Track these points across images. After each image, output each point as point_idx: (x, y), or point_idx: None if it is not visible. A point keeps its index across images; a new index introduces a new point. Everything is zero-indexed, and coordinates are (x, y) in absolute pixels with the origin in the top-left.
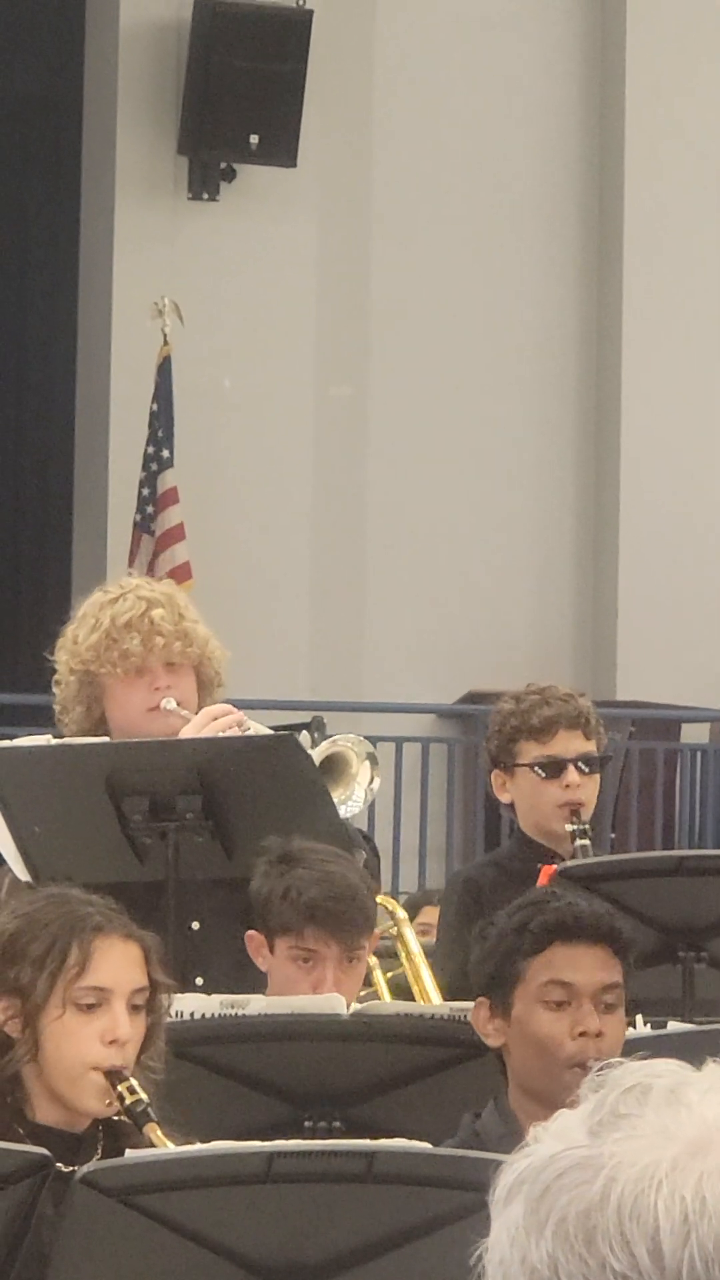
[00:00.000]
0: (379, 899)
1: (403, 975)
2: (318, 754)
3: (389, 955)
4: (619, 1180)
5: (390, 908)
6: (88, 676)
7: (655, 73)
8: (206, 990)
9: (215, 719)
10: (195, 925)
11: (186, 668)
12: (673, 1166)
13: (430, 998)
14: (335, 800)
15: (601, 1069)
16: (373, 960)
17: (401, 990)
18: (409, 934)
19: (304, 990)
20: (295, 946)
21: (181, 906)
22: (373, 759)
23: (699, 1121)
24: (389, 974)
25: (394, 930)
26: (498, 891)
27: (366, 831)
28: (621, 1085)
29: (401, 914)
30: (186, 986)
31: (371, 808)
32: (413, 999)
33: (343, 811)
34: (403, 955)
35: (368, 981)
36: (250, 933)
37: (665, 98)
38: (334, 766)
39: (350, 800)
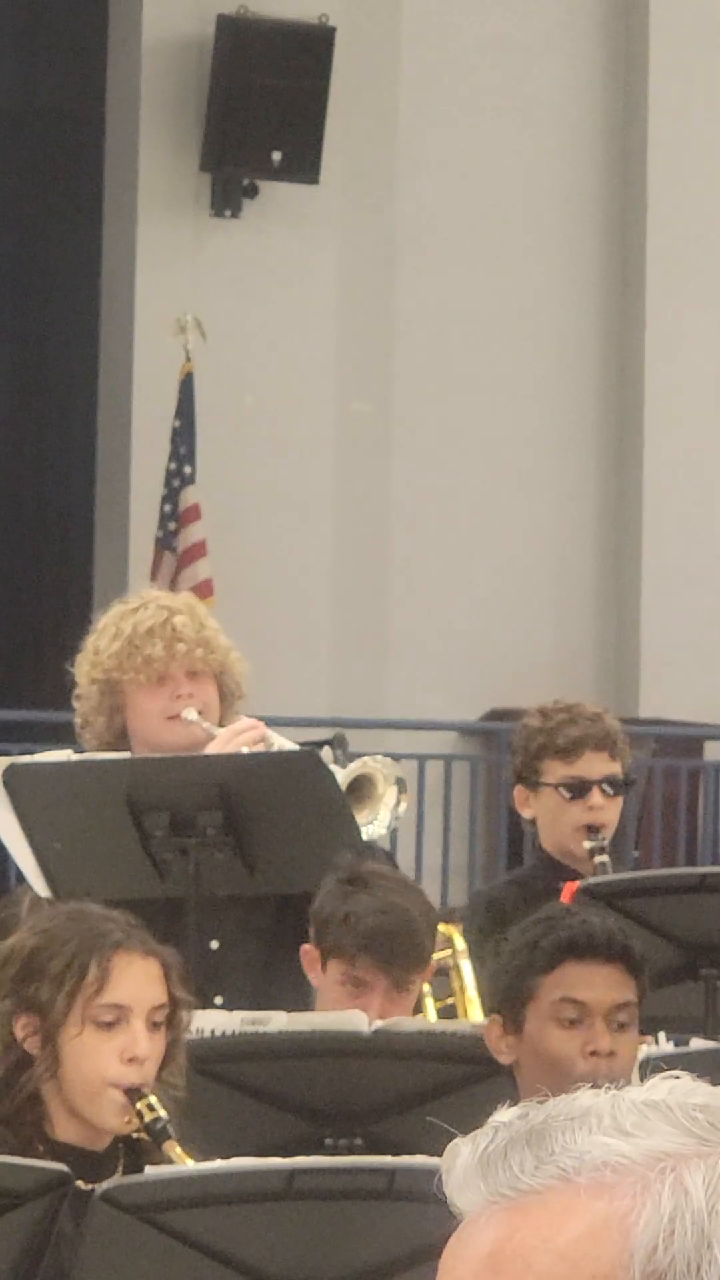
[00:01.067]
0: (441, 927)
1: (453, 1007)
2: (346, 774)
3: (441, 973)
4: None
5: (451, 936)
6: (109, 686)
7: (678, 89)
8: (226, 1010)
9: (240, 734)
10: (215, 945)
11: (208, 676)
12: None
13: None
14: (360, 821)
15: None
16: (425, 987)
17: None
18: (465, 965)
19: None
20: (347, 972)
21: (201, 926)
22: (401, 783)
23: None
24: (440, 1004)
25: (451, 960)
26: (520, 911)
27: (389, 850)
28: None
29: (460, 945)
30: (206, 1006)
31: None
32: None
33: (367, 833)
34: (454, 985)
35: (418, 1009)
36: (306, 947)
37: (688, 113)
38: (361, 788)
39: (375, 822)
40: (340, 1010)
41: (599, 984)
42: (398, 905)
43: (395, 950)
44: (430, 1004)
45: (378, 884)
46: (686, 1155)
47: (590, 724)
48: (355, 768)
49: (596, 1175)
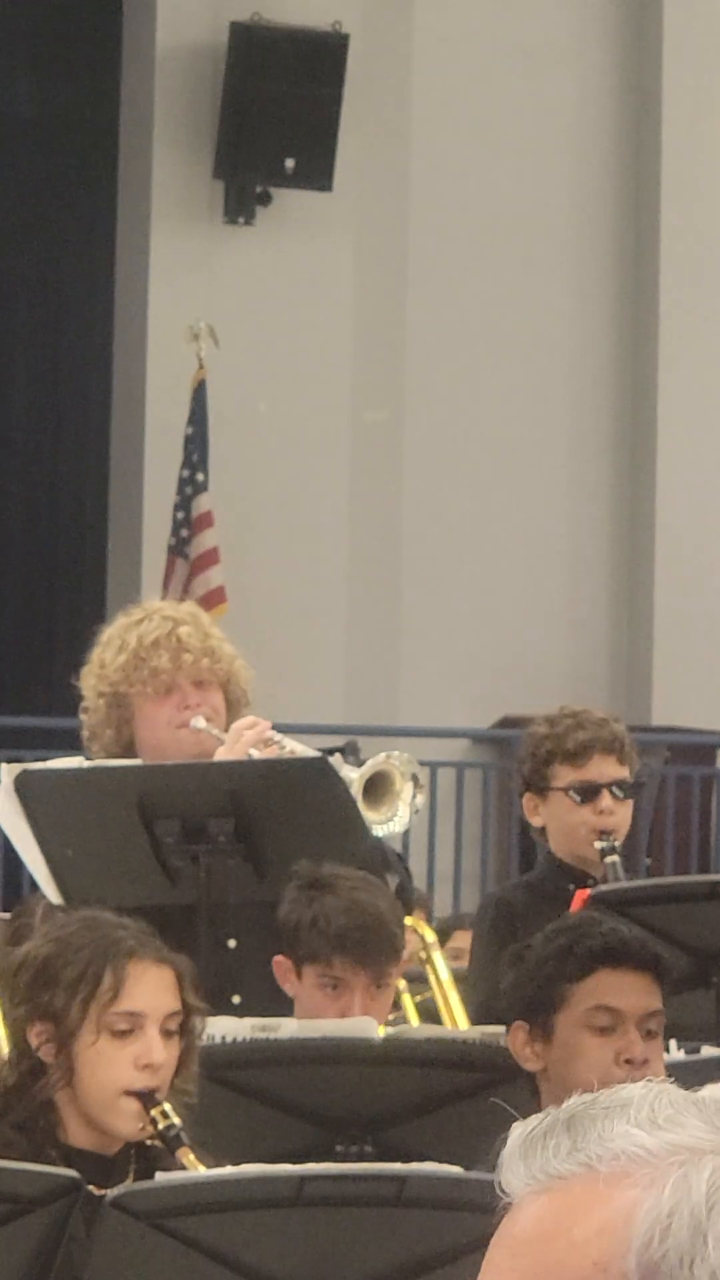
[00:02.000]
0: (409, 922)
1: (432, 1000)
2: (363, 772)
3: (418, 979)
4: None
5: (420, 930)
6: (117, 698)
7: (692, 97)
8: (243, 1009)
9: (245, 731)
10: (232, 943)
11: (214, 685)
12: None
13: (459, 1023)
14: (380, 819)
15: None
16: (401, 984)
17: (430, 1015)
18: (438, 958)
19: (331, 1017)
20: (323, 974)
21: (217, 925)
22: (416, 778)
23: None
24: (418, 998)
25: (424, 954)
26: (530, 914)
27: (400, 853)
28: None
29: (431, 938)
30: (223, 1005)
31: (405, 832)
32: (441, 1023)
33: (388, 829)
34: (432, 980)
35: (396, 1005)
36: (278, 958)
37: (702, 125)
38: (378, 785)
39: (395, 819)
40: (321, 1017)
41: (632, 991)
42: (364, 901)
43: (369, 946)
44: (408, 1000)
45: (340, 884)
46: (704, 1150)
47: (598, 728)
48: (371, 765)
49: (616, 1164)
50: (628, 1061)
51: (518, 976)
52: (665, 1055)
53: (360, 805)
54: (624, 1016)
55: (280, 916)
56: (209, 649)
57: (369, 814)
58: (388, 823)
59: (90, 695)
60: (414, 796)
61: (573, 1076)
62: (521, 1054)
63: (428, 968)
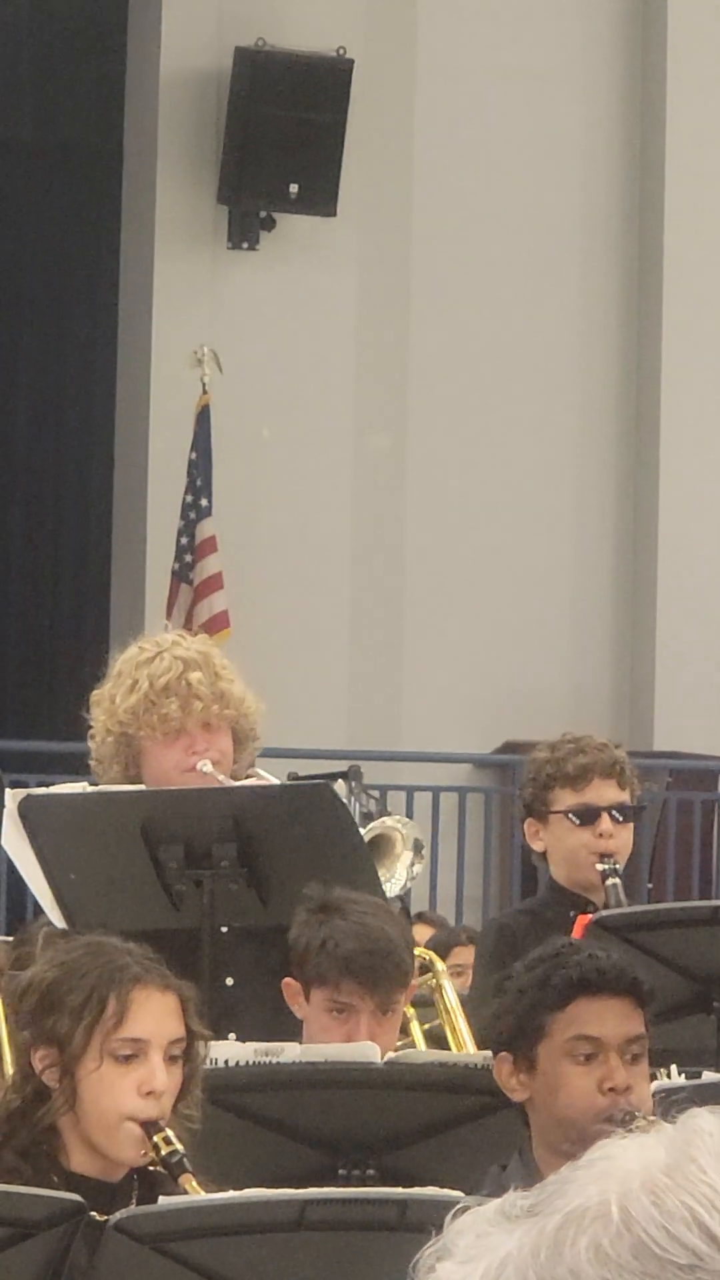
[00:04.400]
0: (418, 951)
1: (440, 1027)
2: (365, 834)
3: (426, 1004)
4: (630, 1198)
5: (430, 959)
6: (125, 739)
7: (695, 122)
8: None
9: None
10: (230, 981)
11: (224, 727)
12: (665, 1171)
13: (466, 1051)
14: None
15: (632, 1124)
16: (410, 1011)
17: (438, 1042)
18: (448, 986)
19: (338, 1041)
20: (331, 998)
21: (216, 962)
22: (418, 845)
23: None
24: (426, 1025)
25: (433, 981)
26: (531, 939)
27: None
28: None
29: (441, 966)
30: (219, 1040)
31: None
32: (448, 1050)
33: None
34: (440, 1007)
35: (404, 1032)
36: (287, 980)
37: (705, 146)
38: (379, 845)
39: (391, 881)
40: (328, 1040)
41: (612, 1019)
42: (374, 927)
43: (377, 971)
44: (416, 1026)
45: (350, 908)
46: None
47: (598, 753)
48: (376, 826)
49: None
50: (611, 1090)
51: (499, 1007)
52: (667, 1080)
53: None
54: (604, 1045)
55: (290, 939)
56: (219, 693)
57: None
58: (384, 884)
59: (99, 729)
60: (413, 864)
61: (557, 1106)
62: (507, 1085)
63: (437, 995)
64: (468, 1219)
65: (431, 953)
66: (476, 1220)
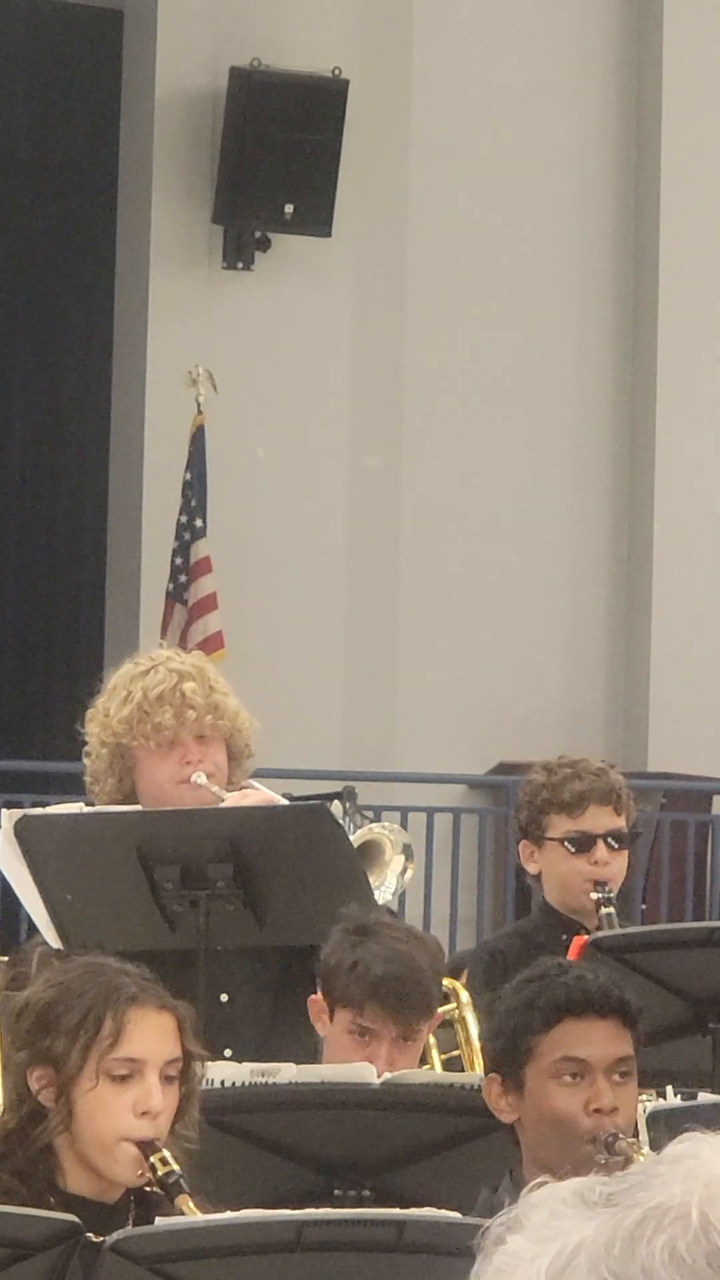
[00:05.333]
0: (445, 982)
1: (459, 1057)
2: (354, 840)
3: (445, 1025)
4: (713, 1203)
5: (455, 989)
6: (119, 750)
7: (691, 139)
8: (236, 1062)
9: (246, 799)
10: (224, 998)
11: (217, 740)
12: None
13: None
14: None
15: (617, 1143)
16: (431, 1040)
17: (457, 1070)
18: (470, 1018)
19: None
20: (354, 1021)
21: (212, 979)
22: (408, 851)
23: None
24: (444, 1055)
25: (455, 1013)
26: (523, 962)
27: (397, 903)
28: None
29: (465, 998)
30: (216, 1059)
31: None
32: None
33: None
34: (461, 1039)
35: (423, 1060)
36: (313, 997)
37: (701, 166)
38: (368, 853)
39: (382, 888)
40: (348, 1060)
41: (598, 1040)
42: (405, 954)
43: (403, 998)
44: (435, 1056)
45: (385, 933)
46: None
47: (594, 779)
48: (364, 833)
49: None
50: (596, 1110)
51: (488, 1029)
52: (662, 1102)
53: None
54: (591, 1066)
55: (321, 956)
56: (213, 705)
57: None
58: (375, 890)
59: (94, 742)
60: (404, 870)
61: (545, 1127)
62: (496, 1106)
63: (458, 1024)
64: (544, 1193)
65: (457, 983)
66: (552, 1197)
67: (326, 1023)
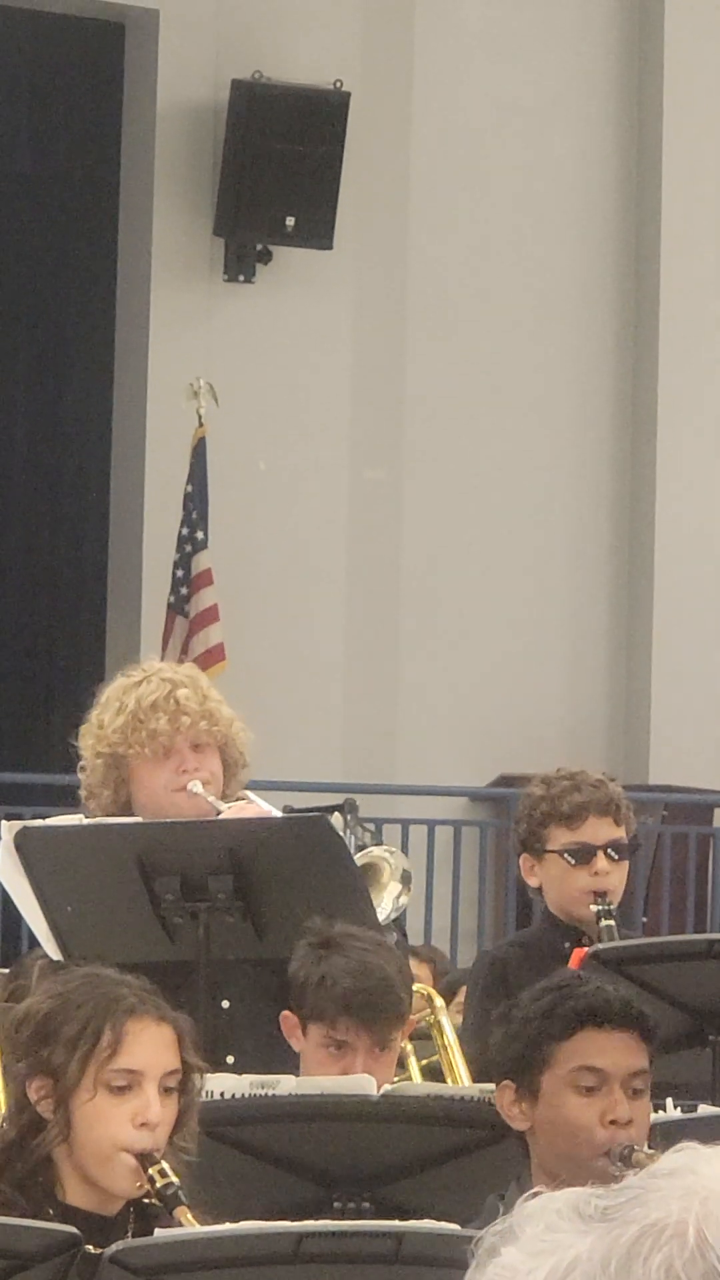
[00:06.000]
0: (417, 987)
1: (438, 1062)
2: (357, 858)
3: (424, 1038)
4: (710, 1222)
5: (429, 994)
6: (114, 759)
7: (692, 159)
8: (237, 1069)
9: (243, 813)
10: (226, 1004)
11: (212, 748)
12: None
13: (462, 1085)
14: None
15: (633, 1155)
16: (408, 1046)
17: (436, 1077)
18: (445, 1022)
19: (333, 1076)
20: (328, 1035)
21: (212, 985)
22: (406, 876)
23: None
24: (424, 1061)
25: (431, 1018)
26: (524, 971)
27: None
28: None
29: (439, 1003)
30: (218, 1065)
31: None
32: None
33: None
34: (438, 1043)
35: (402, 1066)
36: (285, 1013)
37: (702, 184)
38: (366, 874)
39: (377, 909)
40: (325, 1075)
41: (617, 1051)
42: (372, 964)
43: (374, 1009)
44: (414, 1063)
45: (350, 945)
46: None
47: (594, 790)
48: (364, 855)
49: None
50: (612, 1122)
51: (504, 1035)
52: (662, 1114)
53: None
54: (608, 1077)
55: (289, 972)
56: (207, 712)
57: None
58: None
59: (88, 755)
60: (399, 895)
61: (559, 1136)
62: (509, 1113)
63: (434, 1030)
64: (539, 1204)
65: (431, 989)
66: (547, 1209)
67: (300, 1038)
